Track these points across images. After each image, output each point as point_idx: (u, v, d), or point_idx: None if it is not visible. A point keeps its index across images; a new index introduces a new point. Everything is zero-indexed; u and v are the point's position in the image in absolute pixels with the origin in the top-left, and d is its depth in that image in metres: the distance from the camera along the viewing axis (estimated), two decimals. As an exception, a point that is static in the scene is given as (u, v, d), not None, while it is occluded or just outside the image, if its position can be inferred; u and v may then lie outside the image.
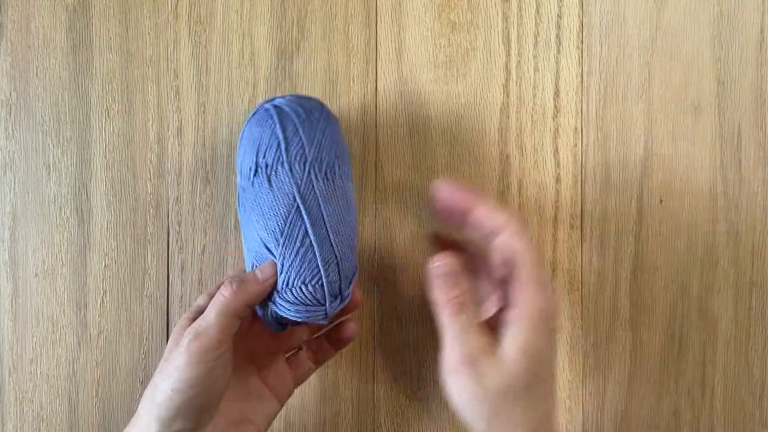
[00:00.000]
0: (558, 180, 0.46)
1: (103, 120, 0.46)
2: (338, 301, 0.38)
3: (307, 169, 0.38)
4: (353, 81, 0.46)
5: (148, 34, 0.46)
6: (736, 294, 0.46)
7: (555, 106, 0.46)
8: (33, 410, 0.46)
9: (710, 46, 0.46)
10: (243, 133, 0.41)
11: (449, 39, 0.46)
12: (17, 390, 0.46)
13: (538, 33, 0.46)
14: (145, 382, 0.46)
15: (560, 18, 0.46)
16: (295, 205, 0.37)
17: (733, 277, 0.46)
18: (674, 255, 0.46)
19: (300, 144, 0.38)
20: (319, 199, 0.38)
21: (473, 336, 0.34)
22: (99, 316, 0.46)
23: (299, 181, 0.37)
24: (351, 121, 0.46)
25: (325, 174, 0.38)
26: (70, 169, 0.46)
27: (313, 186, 0.38)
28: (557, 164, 0.46)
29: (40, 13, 0.46)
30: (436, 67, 0.46)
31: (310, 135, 0.39)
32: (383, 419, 0.46)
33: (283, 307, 0.37)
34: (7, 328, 0.46)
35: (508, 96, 0.46)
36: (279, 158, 0.38)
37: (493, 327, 0.36)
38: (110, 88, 0.46)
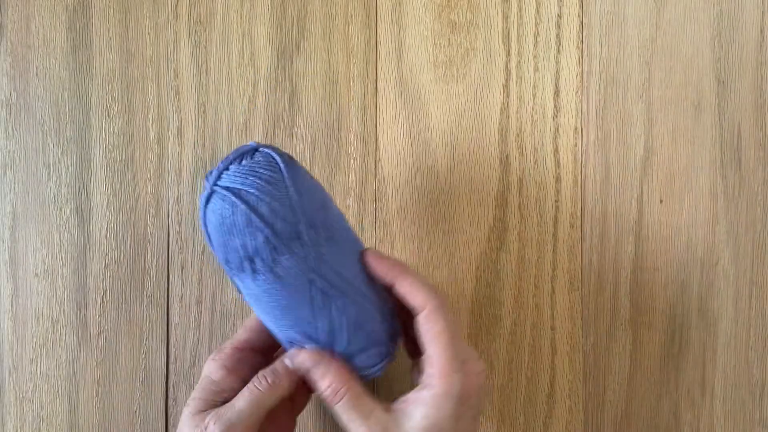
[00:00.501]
0: (558, 180, 0.46)
1: (103, 120, 0.46)
2: (396, 333, 0.38)
3: (307, 243, 0.33)
4: (353, 81, 0.46)
5: (148, 34, 0.46)
6: (736, 294, 0.46)
7: (555, 106, 0.46)
8: (33, 410, 0.46)
9: (710, 46, 0.46)
10: (206, 223, 0.34)
11: (449, 39, 0.46)
12: (17, 390, 0.46)
13: (538, 33, 0.46)
14: (145, 382, 0.46)
15: (560, 18, 0.46)
16: (315, 285, 0.34)
17: (733, 277, 0.46)
18: (674, 255, 0.46)
19: (284, 220, 0.33)
20: (329, 261, 0.34)
21: (363, 424, 0.34)
22: (99, 316, 0.46)
23: (307, 260, 0.34)
24: (351, 121, 0.46)
25: (321, 229, 0.34)
26: (70, 169, 0.46)
27: (321, 255, 0.34)
28: (557, 164, 0.46)
29: (40, 13, 0.46)
30: (436, 67, 0.46)
31: (286, 205, 0.33)
32: (383, 419, 0.46)
33: (368, 375, 0.37)
34: (7, 328, 0.46)
35: (508, 96, 0.46)
36: (271, 246, 0.33)
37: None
38: (110, 88, 0.46)
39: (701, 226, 0.46)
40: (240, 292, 0.37)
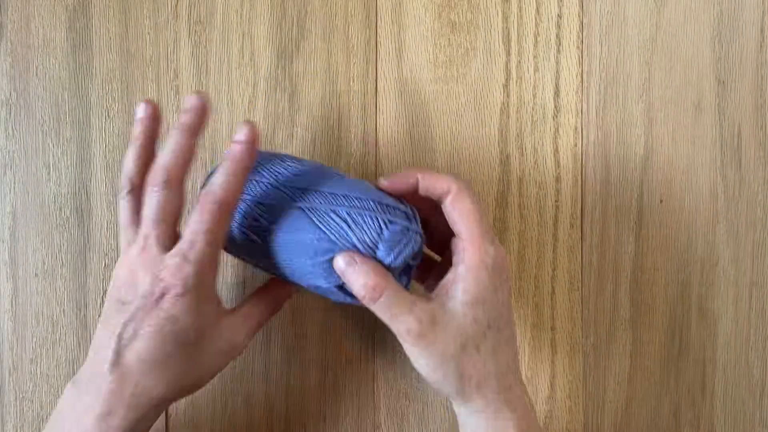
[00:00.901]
0: (558, 180, 0.46)
1: (103, 120, 0.46)
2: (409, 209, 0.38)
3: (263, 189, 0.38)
4: (353, 81, 0.46)
5: (148, 34, 0.46)
6: (736, 294, 0.46)
7: (555, 106, 0.46)
8: (33, 410, 0.46)
9: (710, 46, 0.46)
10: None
11: (449, 39, 0.46)
12: (17, 390, 0.46)
13: (538, 33, 0.46)
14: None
15: (560, 18, 0.46)
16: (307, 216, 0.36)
17: (733, 277, 0.46)
18: (674, 255, 0.46)
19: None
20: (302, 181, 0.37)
21: (405, 314, 0.34)
22: (99, 316, 0.46)
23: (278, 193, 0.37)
24: (351, 121, 0.46)
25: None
26: (70, 169, 0.46)
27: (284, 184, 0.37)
28: (557, 164, 0.46)
29: (40, 13, 0.46)
30: (436, 67, 0.46)
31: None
32: (383, 419, 0.46)
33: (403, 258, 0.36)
34: (7, 328, 0.46)
35: (508, 96, 0.46)
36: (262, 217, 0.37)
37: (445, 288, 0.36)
38: (110, 88, 0.46)
39: (701, 226, 0.46)
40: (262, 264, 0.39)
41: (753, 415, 0.46)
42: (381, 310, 0.35)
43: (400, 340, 0.35)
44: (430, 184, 0.37)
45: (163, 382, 0.34)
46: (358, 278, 0.34)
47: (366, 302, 0.35)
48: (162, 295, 0.33)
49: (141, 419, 0.34)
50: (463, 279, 0.35)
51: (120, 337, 0.34)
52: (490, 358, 0.35)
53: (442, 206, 0.37)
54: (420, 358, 0.35)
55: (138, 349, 0.33)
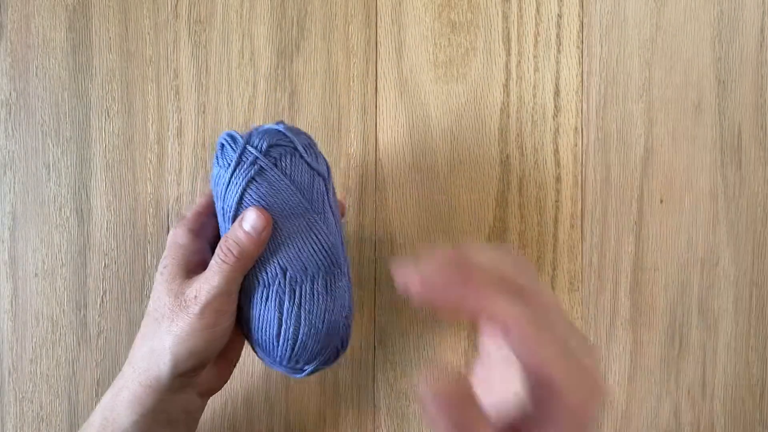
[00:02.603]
0: (558, 180, 0.46)
1: (103, 120, 0.46)
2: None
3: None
4: (353, 81, 0.46)
5: (148, 34, 0.46)
6: (736, 294, 0.46)
7: (555, 106, 0.46)
8: (33, 410, 0.46)
9: (710, 46, 0.46)
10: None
11: (449, 39, 0.46)
12: (17, 390, 0.46)
13: (538, 33, 0.46)
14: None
15: (560, 18, 0.46)
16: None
17: (733, 277, 0.46)
18: (674, 255, 0.46)
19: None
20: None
21: None
22: (99, 316, 0.46)
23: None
24: (351, 121, 0.46)
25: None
26: (70, 169, 0.46)
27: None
28: (557, 164, 0.46)
29: (40, 13, 0.46)
30: (436, 67, 0.46)
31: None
32: (383, 419, 0.46)
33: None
34: (7, 328, 0.46)
35: (508, 96, 0.46)
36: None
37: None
38: (110, 88, 0.46)
39: (701, 226, 0.46)
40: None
41: (753, 415, 0.46)
42: None
43: None
44: (475, 305, 0.24)
45: None
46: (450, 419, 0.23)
47: None
48: None
49: None
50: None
51: None
52: None
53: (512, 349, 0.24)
54: None
55: None
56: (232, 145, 0.36)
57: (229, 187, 0.36)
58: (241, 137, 0.37)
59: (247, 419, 0.46)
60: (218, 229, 0.39)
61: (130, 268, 0.46)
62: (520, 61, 0.46)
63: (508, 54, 0.46)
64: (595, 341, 0.46)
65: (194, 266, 0.37)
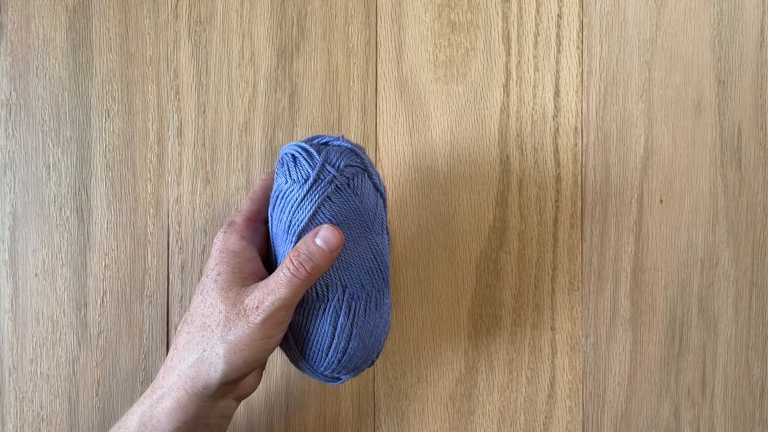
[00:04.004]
0: (558, 180, 0.46)
1: (103, 120, 0.46)
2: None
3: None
4: (353, 81, 0.46)
5: (148, 34, 0.46)
6: (736, 294, 0.46)
7: (555, 106, 0.46)
8: (33, 410, 0.46)
9: (710, 45, 0.46)
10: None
11: (449, 39, 0.46)
12: (17, 390, 0.46)
13: (538, 33, 0.46)
14: (145, 382, 0.46)
15: (560, 18, 0.46)
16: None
17: (733, 277, 0.46)
18: (674, 255, 0.46)
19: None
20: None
21: None
22: (99, 316, 0.46)
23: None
24: (351, 121, 0.46)
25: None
26: (70, 169, 0.46)
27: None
28: (557, 164, 0.46)
29: (40, 13, 0.46)
30: (436, 67, 0.46)
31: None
32: (383, 419, 0.46)
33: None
34: (7, 328, 0.46)
35: (508, 96, 0.46)
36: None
37: None
38: (110, 88, 0.46)
39: (701, 226, 0.46)
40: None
41: (753, 415, 0.46)
42: None
43: None
44: None
45: None
46: None
47: None
48: None
49: None
50: None
51: None
52: None
53: None
54: None
55: None
56: (308, 160, 0.36)
57: (302, 203, 0.36)
58: (316, 152, 0.36)
59: (247, 419, 0.46)
60: (267, 237, 0.38)
61: (130, 268, 0.46)
62: (520, 62, 0.46)
63: (508, 54, 0.46)
64: (595, 341, 0.46)
65: (248, 274, 0.37)
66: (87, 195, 0.46)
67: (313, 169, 0.36)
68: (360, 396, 0.46)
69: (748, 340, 0.46)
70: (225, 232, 0.38)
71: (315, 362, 0.38)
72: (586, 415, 0.46)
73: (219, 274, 0.36)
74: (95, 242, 0.46)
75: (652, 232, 0.46)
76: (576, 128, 0.46)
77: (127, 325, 0.46)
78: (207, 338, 0.35)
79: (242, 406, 0.46)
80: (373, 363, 0.40)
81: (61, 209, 0.46)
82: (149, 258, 0.46)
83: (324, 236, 0.35)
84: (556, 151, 0.46)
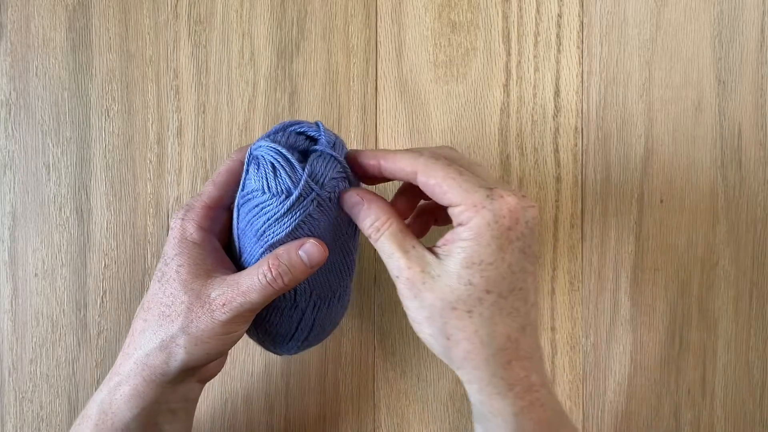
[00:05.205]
0: (558, 180, 0.46)
1: (103, 120, 0.46)
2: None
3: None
4: (353, 81, 0.46)
5: (148, 34, 0.46)
6: (736, 294, 0.46)
7: (555, 106, 0.46)
8: (33, 410, 0.46)
9: (710, 45, 0.46)
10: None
11: (449, 39, 0.46)
12: (17, 390, 0.46)
13: (538, 33, 0.46)
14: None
15: (560, 18, 0.46)
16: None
17: (733, 277, 0.46)
18: (674, 255, 0.46)
19: None
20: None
21: (400, 257, 0.33)
22: (99, 316, 0.46)
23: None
24: (351, 121, 0.46)
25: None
26: (70, 169, 0.46)
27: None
28: (557, 164, 0.46)
29: (40, 13, 0.46)
30: (436, 67, 0.46)
31: None
32: (383, 419, 0.46)
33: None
34: (7, 328, 0.46)
35: (508, 96, 0.46)
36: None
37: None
38: (110, 88, 0.46)
39: (701, 226, 0.46)
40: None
41: (753, 415, 0.46)
42: (380, 247, 0.34)
43: (395, 281, 0.34)
44: (393, 167, 0.34)
45: None
46: (366, 214, 0.34)
47: (370, 239, 0.34)
48: None
49: None
50: (460, 238, 0.32)
51: None
52: (483, 327, 0.32)
53: (422, 188, 0.34)
54: (411, 304, 0.33)
55: None
56: (291, 175, 0.33)
57: (281, 219, 0.34)
58: (298, 164, 0.33)
59: (247, 419, 0.46)
60: (228, 225, 0.37)
61: (130, 268, 0.46)
62: (520, 61, 0.46)
63: (508, 54, 0.46)
64: (595, 341, 0.46)
65: (211, 266, 0.36)
66: (87, 195, 0.46)
67: (295, 186, 0.33)
68: (360, 396, 0.46)
69: (748, 340, 0.46)
70: (183, 219, 0.36)
71: (275, 346, 0.39)
72: (586, 415, 0.46)
73: (180, 266, 0.35)
74: (95, 242, 0.46)
75: (652, 232, 0.46)
76: (576, 128, 0.46)
77: (127, 325, 0.46)
78: (165, 328, 0.34)
79: (242, 406, 0.46)
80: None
81: (60, 209, 0.46)
82: (149, 258, 0.46)
83: (308, 251, 0.34)
84: (556, 151, 0.46)
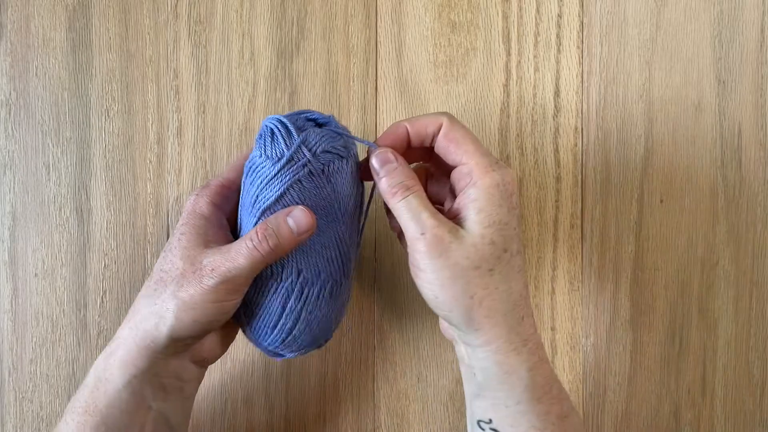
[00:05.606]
0: (558, 180, 0.46)
1: (103, 120, 0.46)
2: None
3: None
4: (353, 81, 0.46)
5: (148, 34, 0.46)
6: (736, 294, 0.46)
7: (555, 106, 0.46)
8: (33, 410, 0.46)
9: (710, 45, 0.46)
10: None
11: (449, 39, 0.46)
12: (17, 390, 0.46)
13: (538, 33, 0.46)
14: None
15: (560, 18, 0.46)
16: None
17: (733, 277, 0.46)
18: (674, 255, 0.46)
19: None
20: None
21: (429, 217, 0.34)
22: (99, 316, 0.46)
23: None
24: (351, 121, 0.46)
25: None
26: (70, 169, 0.46)
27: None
28: (557, 164, 0.46)
29: (40, 13, 0.46)
30: (436, 67, 0.46)
31: None
32: (383, 419, 0.46)
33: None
34: (7, 328, 0.46)
35: (508, 96, 0.46)
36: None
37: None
38: (110, 88, 0.46)
39: (701, 226, 0.46)
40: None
41: (753, 415, 0.46)
42: (406, 206, 0.34)
43: (414, 248, 0.34)
44: (420, 127, 0.36)
45: None
46: (392, 174, 0.35)
47: (394, 199, 0.35)
48: None
49: None
50: (477, 199, 0.34)
51: None
52: (502, 284, 0.34)
53: (436, 146, 0.36)
54: (434, 264, 0.33)
55: None
56: (286, 139, 0.35)
57: (272, 181, 0.35)
58: (295, 130, 0.35)
59: (247, 419, 0.46)
60: (238, 206, 0.38)
61: (130, 268, 0.46)
62: (520, 61, 0.46)
63: (508, 54, 0.46)
64: (595, 341, 0.46)
65: (212, 237, 0.37)
66: (87, 195, 0.46)
67: (288, 149, 0.35)
68: (360, 396, 0.46)
69: (748, 340, 0.46)
70: (198, 195, 0.38)
71: (259, 336, 0.38)
72: (586, 415, 0.46)
73: (183, 234, 0.36)
74: (95, 242, 0.46)
75: (652, 232, 0.46)
76: (576, 128, 0.46)
77: (127, 325, 0.46)
78: (159, 292, 0.35)
79: (242, 407, 0.46)
80: (320, 347, 0.40)
81: (60, 209, 0.46)
82: (149, 258, 0.46)
83: (296, 217, 0.35)
84: (556, 151, 0.46)
